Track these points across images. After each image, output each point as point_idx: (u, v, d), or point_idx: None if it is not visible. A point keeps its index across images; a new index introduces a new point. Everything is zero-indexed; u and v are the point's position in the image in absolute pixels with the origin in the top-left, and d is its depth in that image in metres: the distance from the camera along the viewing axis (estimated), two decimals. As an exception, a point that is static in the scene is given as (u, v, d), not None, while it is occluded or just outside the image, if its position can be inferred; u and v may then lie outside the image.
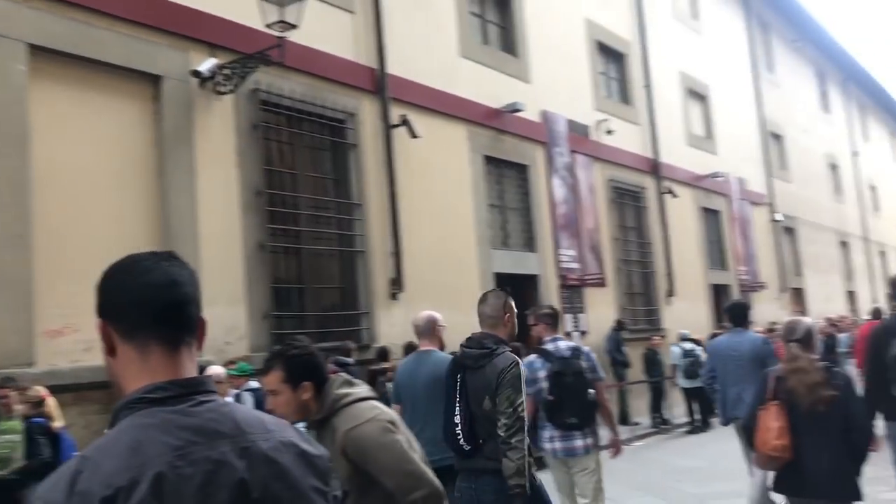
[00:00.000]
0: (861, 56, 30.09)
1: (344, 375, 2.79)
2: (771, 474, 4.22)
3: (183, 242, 7.44)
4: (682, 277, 16.48)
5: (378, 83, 10.15)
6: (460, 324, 10.68)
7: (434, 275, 10.55)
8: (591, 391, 5.07)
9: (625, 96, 16.19)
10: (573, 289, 13.29)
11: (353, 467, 2.55)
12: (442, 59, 11.40)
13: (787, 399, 3.90)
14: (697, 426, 12.89)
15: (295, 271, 9.08)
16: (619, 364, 13.13)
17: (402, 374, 5.07)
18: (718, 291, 18.30)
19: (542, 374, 5.11)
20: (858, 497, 3.92)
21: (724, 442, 8.49)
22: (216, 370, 6.77)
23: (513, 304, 4.07)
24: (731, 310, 6.91)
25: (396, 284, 9.90)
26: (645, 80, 16.44)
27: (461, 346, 3.88)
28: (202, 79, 8.03)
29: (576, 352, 5.19)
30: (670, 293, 16.03)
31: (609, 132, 14.73)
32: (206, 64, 8.00)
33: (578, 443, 5.10)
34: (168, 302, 1.31)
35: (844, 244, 27.62)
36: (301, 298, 9.07)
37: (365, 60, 10.12)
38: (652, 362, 13.53)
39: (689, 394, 12.81)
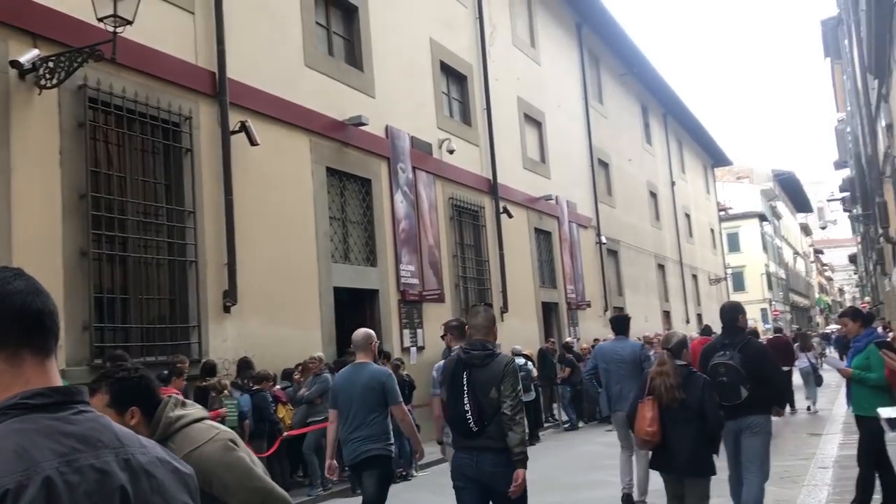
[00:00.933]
0: (681, 93, 32.50)
1: (176, 396, 2.65)
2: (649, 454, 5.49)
3: (-7, 246, 6.82)
4: (515, 294, 17.01)
5: (217, 87, 9.80)
6: (297, 339, 10.52)
7: (271, 287, 10.27)
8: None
9: (466, 117, 16.57)
10: (412, 304, 13.38)
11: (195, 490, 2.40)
12: (285, 68, 11.18)
13: (657, 395, 5.05)
14: (527, 439, 13.31)
15: (120, 280, 8.54)
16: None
17: (340, 382, 5.72)
18: (548, 309, 19.05)
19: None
20: (712, 472, 5.10)
21: (553, 455, 8.80)
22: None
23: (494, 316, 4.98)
24: (614, 321, 8.17)
25: (230, 297, 9.54)
26: (485, 103, 16.92)
27: (463, 349, 4.67)
28: (22, 71, 7.42)
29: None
30: (504, 309, 16.49)
31: (451, 151, 15.01)
32: (28, 55, 7.41)
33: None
34: (37, 310, 1.29)
35: (662, 267, 29.61)
36: (126, 309, 8.54)
37: (204, 63, 9.74)
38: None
39: (526, 406, 13.19)
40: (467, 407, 4.48)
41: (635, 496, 7.26)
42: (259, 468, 2.56)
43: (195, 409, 2.61)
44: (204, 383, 8.55)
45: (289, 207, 10.85)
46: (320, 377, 9.68)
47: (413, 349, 12.99)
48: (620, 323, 7.99)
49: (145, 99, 8.78)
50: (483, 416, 4.44)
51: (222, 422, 6.21)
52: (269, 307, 10.19)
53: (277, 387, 9.56)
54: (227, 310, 9.51)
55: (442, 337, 6.30)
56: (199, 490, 2.37)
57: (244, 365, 9.33)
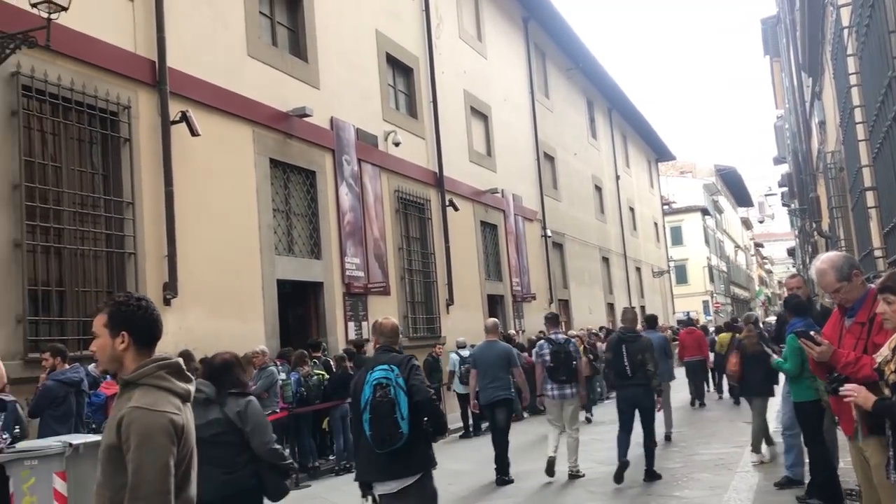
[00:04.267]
0: (625, 88, 32.96)
1: (180, 362, 2.69)
2: None
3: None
4: (461, 287, 17.11)
5: (157, 76, 9.64)
6: (239, 332, 10.43)
7: (212, 280, 10.16)
8: (574, 362, 8.67)
9: (412, 110, 16.58)
10: (357, 297, 13.36)
11: (117, 441, 2.44)
12: (227, 57, 11.05)
13: (741, 347, 8.63)
14: (470, 431, 13.42)
15: (56, 273, 8.36)
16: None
17: (479, 352, 9.43)
18: (494, 301, 19.20)
19: (546, 350, 8.71)
20: (771, 393, 8.60)
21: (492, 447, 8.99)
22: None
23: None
24: (547, 317, 9.75)
25: (170, 289, 9.41)
26: (431, 96, 16.94)
27: (619, 330, 8.66)
28: (-50, 55, 7.20)
29: (566, 341, 8.87)
30: (450, 302, 16.57)
31: (396, 144, 15.00)
32: (-44, 39, 7.19)
33: (567, 391, 8.67)
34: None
35: (606, 260, 30.06)
36: (62, 302, 8.37)
37: (143, 51, 9.57)
38: (433, 369, 13.89)
39: (464, 399, 13.30)
40: (626, 363, 8.07)
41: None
42: (171, 477, 2.45)
43: (185, 385, 2.64)
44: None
45: (231, 199, 10.73)
46: (265, 371, 9.62)
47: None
48: (552, 318, 9.57)
49: (82, 87, 8.59)
50: (635, 368, 8.03)
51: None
52: (210, 300, 10.07)
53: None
54: (167, 302, 9.38)
55: (545, 324, 9.93)
56: (119, 443, 2.42)
57: (185, 357, 9.19)
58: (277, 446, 4.32)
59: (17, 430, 6.53)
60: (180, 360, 2.70)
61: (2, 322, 7.48)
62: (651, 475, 8.06)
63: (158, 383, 2.56)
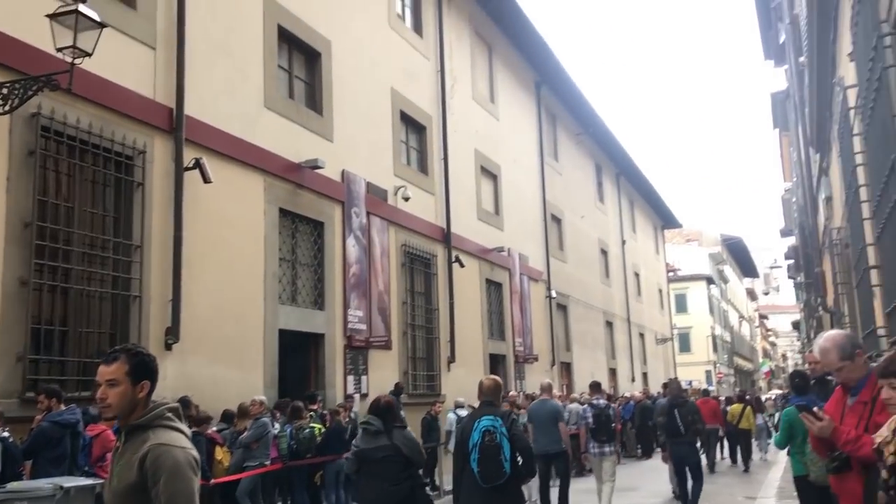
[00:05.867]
0: (634, 155, 33.31)
1: (179, 406, 2.93)
2: None
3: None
4: (463, 345, 17.04)
5: (174, 123, 9.80)
6: (238, 380, 10.39)
7: (214, 326, 10.16)
8: (613, 424, 10.29)
9: (423, 166, 16.77)
10: (358, 350, 13.31)
11: (141, 479, 2.61)
12: (244, 108, 11.24)
13: None
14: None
15: (60, 312, 8.38)
16: (396, 428, 13.13)
17: (534, 410, 10.39)
18: (495, 360, 19.10)
19: (589, 414, 10.34)
20: None
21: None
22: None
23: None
24: (592, 385, 11.44)
25: (172, 334, 9.41)
26: (443, 154, 17.15)
27: (670, 398, 10.55)
28: (-26, 95, 7.34)
29: (606, 405, 10.51)
30: (451, 360, 16.49)
31: (406, 199, 15.13)
32: (-19, 79, 7.34)
33: (607, 449, 10.25)
34: None
35: (610, 324, 29.95)
36: (64, 342, 8.37)
37: (162, 98, 9.75)
38: (430, 428, 13.74)
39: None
40: (679, 423, 9.86)
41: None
42: (189, 499, 2.65)
43: (184, 427, 2.87)
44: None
45: (239, 246, 10.80)
46: (258, 421, 9.54)
47: (357, 395, 12.88)
48: (596, 387, 11.43)
49: (99, 130, 8.74)
50: (687, 428, 9.85)
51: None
52: (211, 346, 10.06)
53: (213, 429, 9.39)
54: (168, 347, 9.37)
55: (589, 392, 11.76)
56: (144, 481, 2.59)
57: (183, 404, 9.12)
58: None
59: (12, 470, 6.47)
60: (179, 405, 2.92)
61: (3, 358, 7.48)
62: None
63: (170, 424, 2.76)
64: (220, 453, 9.19)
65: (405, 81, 16.06)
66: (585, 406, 10.86)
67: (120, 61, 9.11)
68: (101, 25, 7.20)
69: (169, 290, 9.48)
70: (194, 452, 2.73)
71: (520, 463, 5.75)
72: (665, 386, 14.16)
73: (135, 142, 9.25)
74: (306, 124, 12.66)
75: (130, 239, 9.13)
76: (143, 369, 2.81)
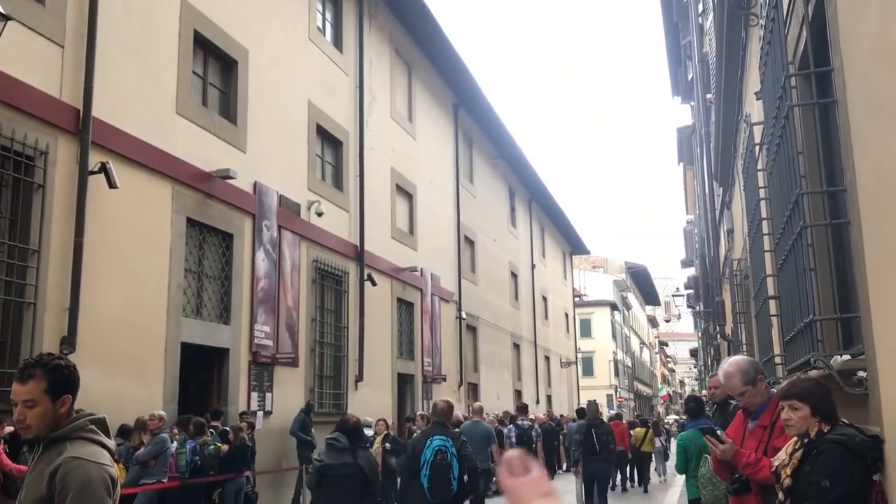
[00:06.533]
0: (546, 181, 33.97)
1: (105, 418, 2.75)
2: None
3: None
4: (371, 364, 16.88)
5: (80, 124, 9.40)
6: (137, 394, 9.97)
7: (114, 338, 9.74)
8: (534, 444, 11.98)
9: (338, 182, 16.61)
10: (264, 366, 13.00)
11: (49, 494, 2.41)
12: (155, 112, 10.90)
13: None
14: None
15: (-56, 318, 7.87)
16: (305, 445, 12.86)
17: (468, 429, 10.45)
18: (403, 380, 19.00)
19: (513, 434, 12.84)
20: None
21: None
22: None
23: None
24: (518, 407, 12.14)
25: (68, 344, 8.96)
26: (359, 170, 17.05)
27: (587, 419, 11.52)
28: None
29: (530, 426, 11.96)
30: (359, 378, 16.31)
31: (319, 214, 14.95)
32: None
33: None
34: None
35: (517, 346, 30.29)
36: (-53, 350, 7.86)
37: (69, 98, 9.35)
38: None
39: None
40: (595, 442, 10.39)
41: None
42: None
43: (111, 442, 2.71)
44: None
45: (143, 255, 10.42)
46: (157, 437, 9.19)
47: (260, 413, 12.57)
48: (523, 409, 13.97)
49: (-2, 128, 8.30)
50: (602, 446, 10.45)
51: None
52: (109, 358, 9.64)
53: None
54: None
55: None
56: (51, 494, 2.38)
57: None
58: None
59: None
60: (105, 417, 2.74)
61: None
62: None
63: (91, 437, 2.58)
64: (116, 470, 8.79)
65: (323, 95, 15.92)
66: (510, 426, 11.98)
67: (24, 57, 8.70)
68: (6, 18, 6.87)
69: (67, 298, 9.04)
70: (112, 470, 2.56)
71: (465, 481, 6.27)
72: (580, 411, 14.94)
73: (37, 142, 8.82)
74: (219, 133, 12.37)
75: (27, 243, 8.67)
76: (63, 383, 2.62)
